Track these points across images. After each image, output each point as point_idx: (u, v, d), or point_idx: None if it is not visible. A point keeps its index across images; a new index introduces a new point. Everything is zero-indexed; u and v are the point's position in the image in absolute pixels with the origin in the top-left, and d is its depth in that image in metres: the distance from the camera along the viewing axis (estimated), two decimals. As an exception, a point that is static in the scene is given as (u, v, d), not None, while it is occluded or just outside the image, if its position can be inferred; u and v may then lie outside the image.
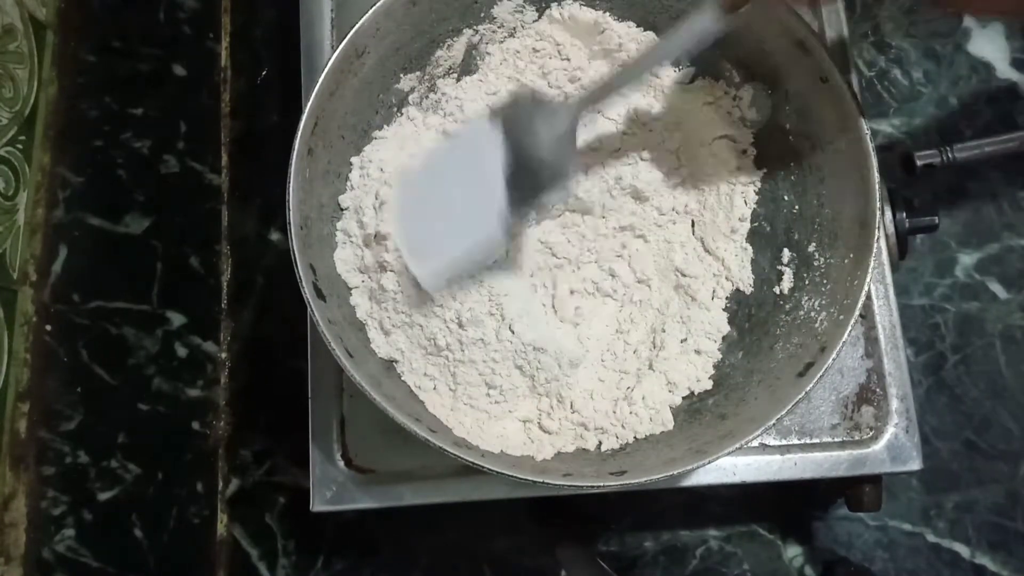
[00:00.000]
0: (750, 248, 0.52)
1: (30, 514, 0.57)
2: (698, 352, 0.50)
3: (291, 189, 0.44)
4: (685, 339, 0.50)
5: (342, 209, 0.49)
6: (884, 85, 0.71)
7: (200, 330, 0.67)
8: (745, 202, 0.52)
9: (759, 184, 0.52)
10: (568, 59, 0.53)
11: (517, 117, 0.44)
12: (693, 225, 0.53)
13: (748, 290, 0.51)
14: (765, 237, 0.52)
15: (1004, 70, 0.70)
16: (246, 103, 0.72)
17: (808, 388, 0.43)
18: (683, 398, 0.49)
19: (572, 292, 0.52)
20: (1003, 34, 0.71)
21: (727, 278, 0.52)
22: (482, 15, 0.51)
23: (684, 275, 0.52)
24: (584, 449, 0.47)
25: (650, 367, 0.50)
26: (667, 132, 0.52)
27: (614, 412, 0.48)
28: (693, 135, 0.53)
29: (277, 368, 0.67)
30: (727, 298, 0.52)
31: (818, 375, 0.43)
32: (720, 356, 0.50)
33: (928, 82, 0.71)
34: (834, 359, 0.43)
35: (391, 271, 0.47)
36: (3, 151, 0.57)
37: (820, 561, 0.63)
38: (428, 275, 0.45)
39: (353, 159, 0.50)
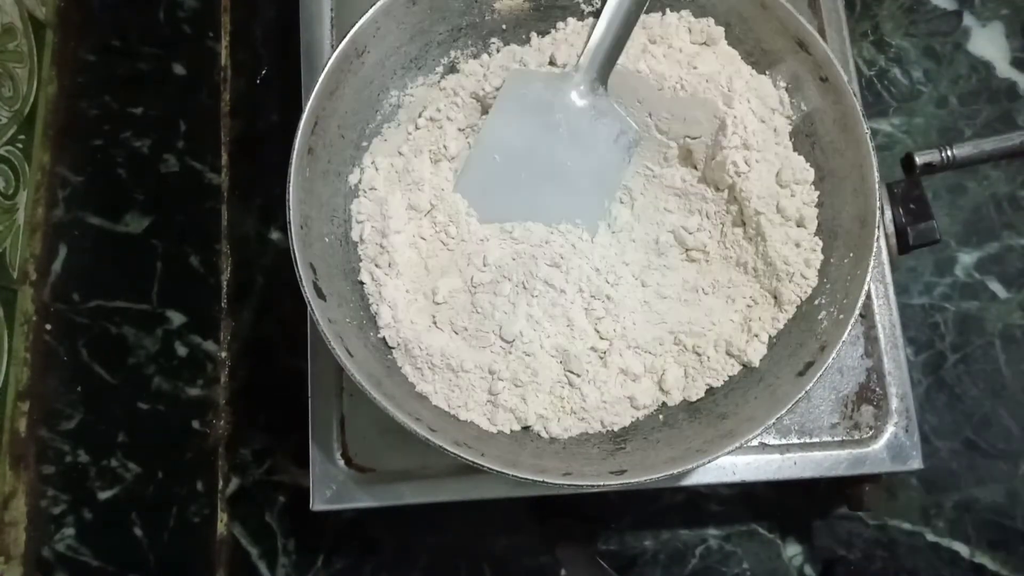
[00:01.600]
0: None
1: (30, 513, 0.57)
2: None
3: (291, 189, 0.44)
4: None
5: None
6: (884, 84, 0.71)
7: (200, 329, 0.67)
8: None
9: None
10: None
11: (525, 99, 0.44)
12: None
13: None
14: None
15: (1004, 70, 0.70)
16: (246, 103, 0.72)
17: (808, 387, 0.42)
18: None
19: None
20: (1003, 33, 0.71)
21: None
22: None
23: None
24: (586, 433, 0.47)
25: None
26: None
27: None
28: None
29: (277, 368, 0.67)
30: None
31: (818, 374, 0.43)
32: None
33: (928, 81, 0.71)
34: (834, 358, 0.43)
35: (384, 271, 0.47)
36: (3, 150, 0.57)
37: (820, 560, 0.63)
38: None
39: (353, 159, 0.50)
